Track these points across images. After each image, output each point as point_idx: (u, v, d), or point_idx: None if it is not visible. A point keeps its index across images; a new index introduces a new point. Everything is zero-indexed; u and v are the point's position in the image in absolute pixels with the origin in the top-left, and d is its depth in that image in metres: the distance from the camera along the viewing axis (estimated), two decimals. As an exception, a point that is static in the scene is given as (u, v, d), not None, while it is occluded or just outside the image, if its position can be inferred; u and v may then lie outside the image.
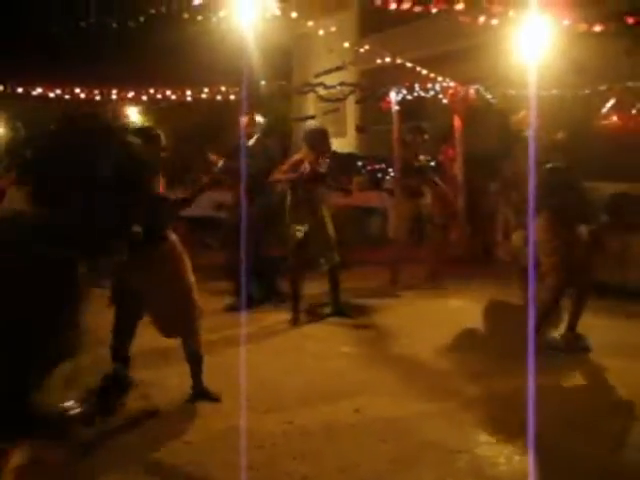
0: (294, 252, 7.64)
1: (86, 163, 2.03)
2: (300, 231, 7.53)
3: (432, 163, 10.46)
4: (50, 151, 2.09)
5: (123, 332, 5.16)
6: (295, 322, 7.61)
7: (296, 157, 7.77)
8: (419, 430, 4.73)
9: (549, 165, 6.21)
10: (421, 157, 9.71)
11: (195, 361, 5.23)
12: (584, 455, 4.34)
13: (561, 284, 6.33)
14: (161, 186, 5.13)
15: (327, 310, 8.07)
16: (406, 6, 7.58)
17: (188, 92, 12.81)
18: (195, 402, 5.19)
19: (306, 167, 7.48)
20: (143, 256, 4.77)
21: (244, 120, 8.74)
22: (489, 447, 4.49)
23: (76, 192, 2.01)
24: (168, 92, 12.93)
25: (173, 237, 5.10)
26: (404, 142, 10.12)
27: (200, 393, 5.27)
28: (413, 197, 9.60)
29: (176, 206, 5.31)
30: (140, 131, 5.26)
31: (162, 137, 5.24)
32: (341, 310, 7.97)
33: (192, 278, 5.13)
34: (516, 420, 4.76)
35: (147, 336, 5.50)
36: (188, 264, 5.14)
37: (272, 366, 6.11)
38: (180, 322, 5.08)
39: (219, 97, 12.62)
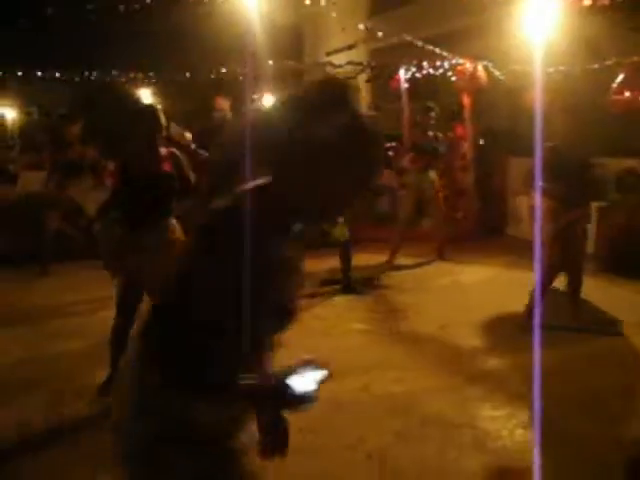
0: None
1: None
2: None
3: (441, 141, 10.49)
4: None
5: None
6: None
7: None
8: (424, 405, 4.81)
9: (548, 144, 6.21)
10: (430, 133, 9.70)
11: None
12: (585, 431, 4.40)
13: (555, 265, 6.38)
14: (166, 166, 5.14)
15: (337, 287, 8.11)
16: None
17: (194, 73, 12.84)
18: None
19: None
20: (145, 235, 4.92)
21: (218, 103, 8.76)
22: (492, 422, 4.55)
23: None
24: (176, 73, 12.98)
25: (173, 221, 5.17)
26: (415, 121, 10.12)
27: None
28: (419, 174, 9.61)
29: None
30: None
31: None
32: (351, 286, 8.04)
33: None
34: (520, 396, 4.85)
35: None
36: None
37: (289, 344, 6.16)
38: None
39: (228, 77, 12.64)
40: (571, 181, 6.12)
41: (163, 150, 5.11)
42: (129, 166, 5.04)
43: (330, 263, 8.39)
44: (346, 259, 8.03)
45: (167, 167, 5.07)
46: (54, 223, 9.57)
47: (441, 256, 9.83)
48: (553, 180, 6.11)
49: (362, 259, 9.13)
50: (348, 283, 8.06)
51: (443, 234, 9.94)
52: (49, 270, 9.24)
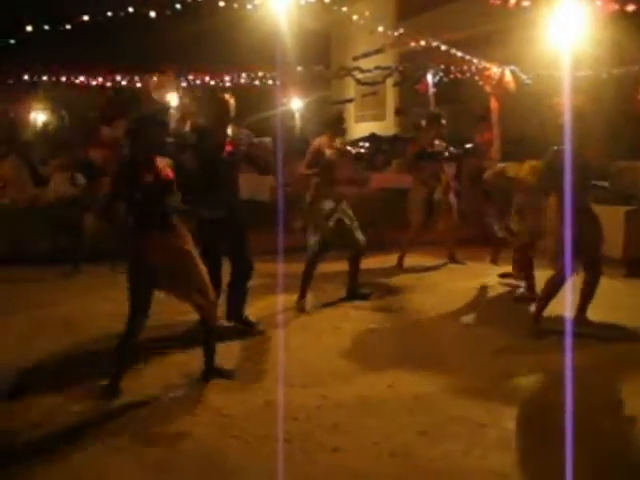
0: (319, 242, 7.56)
1: None
2: (328, 217, 7.53)
3: (468, 146, 10.52)
4: None
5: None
6: (302, 310, 7.56)
7: (314, 145, 7.70)
8: (448, 404, 4.87)
9: (555, 148, 6.26)
10: (436, 142, 9.72)
11: (210, 336, 5.38)
12: (609, 431, 4.45)
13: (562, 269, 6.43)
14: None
15: (342, 294, 8.08)
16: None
17: (227, 77, 13.00)
18: (206, 380, 5.34)
19: (328, 153, 7.52)
20: (161, 237, 5.08)
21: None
22: (516, 421, 4.60)
23: None
24: (207, 78, 13.15)
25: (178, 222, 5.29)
26: (420, 127, 10.14)
27: (212, 370, 5.42)
28: (427, 181, 9.66)
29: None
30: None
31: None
32: (356, 294, 7.98)
33: (195, 252, 5.29)
34: (545, 395, 4.91)
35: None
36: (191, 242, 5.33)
37: (308, 346, 6.28)
38: (194, 295, 5.23)
39: (257, 82, 12.78)
40: (580, 183, 6.11)
41: (158, 159, 5.20)
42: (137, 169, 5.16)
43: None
44: (354, 267, 7.92)
45: (169, 173, 5.20)
46: (90, 224, 9.75)
47: (453, 259, 9.91)
48: (564, 183, 6.16)
49: (381, 262, 9.24)
50: (353, 290, 7.98)
51: (452, 238, 10.00)
52: (80, 269, 9.41)
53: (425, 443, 4.29)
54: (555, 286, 6.40)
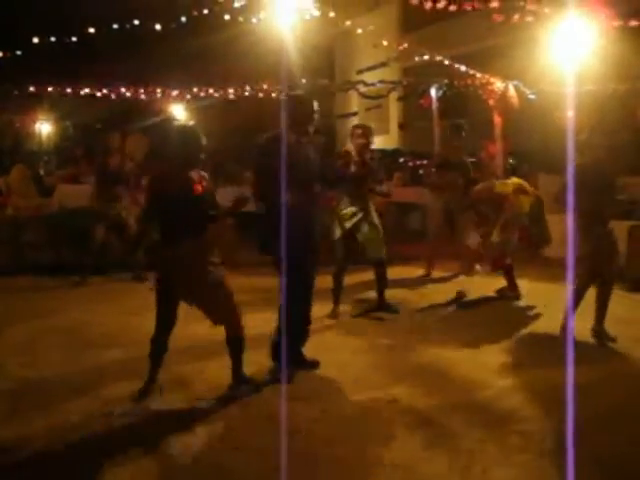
0: (342, 244, 7.68)
1: None
2: (349, 222, 7.60)
3: (472, 160, 10.55)
4: None
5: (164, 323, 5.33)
6: (335, 316, 7.71)
7: (345, 148, 7.83)
8: (449, 419, 4.86)
9: (578, 162, 6.30)
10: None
11: (235, 348, 5.38)
12: (610, 447, 4.44)
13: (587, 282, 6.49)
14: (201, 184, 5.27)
15: (370, 305, 8.14)
16: (441, 5, 7.70)
17: (230, 90, 13.05)
18: (236, 390, 5.36)
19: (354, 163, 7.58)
20: (183, 250, 5.08)
21: None
22: (519, 437, 4.59)
23: None
24: (211, 91, 13.20)
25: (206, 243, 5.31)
26: (447, 139, 10.21)
27: (240, 380, 5.44)
28: (444, 192, 9.69)
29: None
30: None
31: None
32: (386, 305, 8.02)
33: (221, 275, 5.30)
34: (549, 412, 4.90)
35: (191, 330, 5.73)
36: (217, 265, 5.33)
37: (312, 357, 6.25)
38: (220, 309, 5.27)
39: (261, 95, 12.83)
40: (598, 198, 6.19)
41: (194, 173, 5.23)
42: (163, 184, 5.19)
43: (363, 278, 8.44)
44: (380, 277, 7.94)
45: (199, 189, 5.21)
46: (100, 235, 9.79)
47: (469, 272, 9.88)
48: (582, 198, 6.19)
49: (390, 275, 9.21)
50: (382, 301, 8.04)
51: (469, 249, 9.98)
52: (88, 281, 9.46)
53: (426, 457, 4.29)
54: (575, 298, 6.49)
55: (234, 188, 13.60)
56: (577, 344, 5.79)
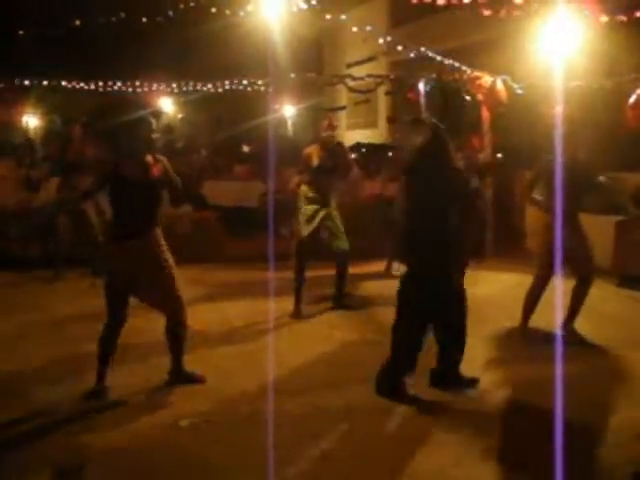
0: (303, 240, 7.59)
1: None
2: (311, 219, 7.55)
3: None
4: None
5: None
6: (297, 316, 7.56)
7: (306, 151, 7.75)
8: (438, 415, 4.86)
9: (549, 157, 6.30)
10: None
11: (177, 340, 5.32)
12: (599, 442, 4.46)
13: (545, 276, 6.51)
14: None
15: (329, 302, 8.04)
16: (429, -1, 7.70)
17: (218, 84, 13.02)
18: (173, 384, 5.34)
19: (315, 161, 7.54)
20: (136, 243, 5.05)
21: None
22: (506, 431, 4.60)
23: None
24: (198, 84, 13.16)
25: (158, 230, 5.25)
26: None
27: (178, 374, 5.40)
28: None
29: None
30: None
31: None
32: (342, 301, 7.95)
33: (171, 260, 5.24)
34: (535, 407, 4.92)
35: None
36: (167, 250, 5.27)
37: (299, 353, 6.25)
38: (167, 302, 5.21)
39: (249, 89, 12.80)
40: (568, 194, 6.12)
41: (148, 157, 5.16)
42: (121, 169, 5.11)
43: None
44: (340, 273, 7.86)
45: (156, 172, 5.14)
46: (64, 228, 9.69)
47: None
48: (549, 193, 6.21)
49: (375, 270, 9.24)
50: (340, 297, 7.94)
51: None
52: (63, 275, 9.38)
53: (415, 453, 4.28)
54: (535, 293, 6.56)
55: (230, 182, 13.64)
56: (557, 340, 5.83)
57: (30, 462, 4.18)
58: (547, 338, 6.23)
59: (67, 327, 7.06)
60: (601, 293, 6.80)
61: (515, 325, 6.83)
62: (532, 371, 5.69)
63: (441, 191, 5.08)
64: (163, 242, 5.23)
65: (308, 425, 4.67)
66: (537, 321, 6.67)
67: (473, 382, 5.35)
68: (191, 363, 5.53)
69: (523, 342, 6.51)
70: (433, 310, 5.18)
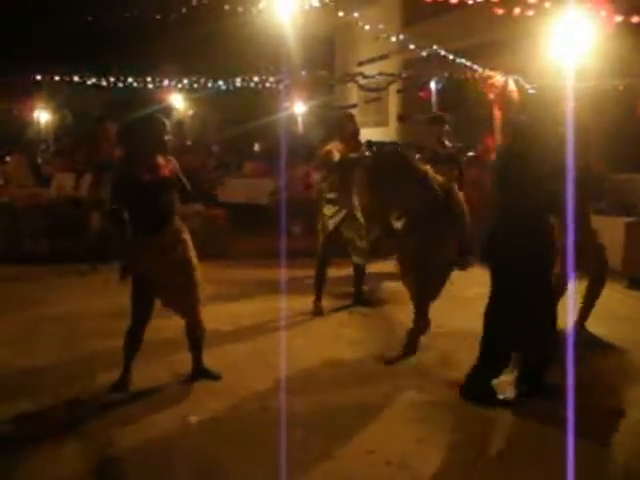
0: (326, 238, 7.59)
1: None
2: (333, 218, 7.53)
3: (470, 153, 10.49)
4: None
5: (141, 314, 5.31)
6: (318, 313, 7.57)
7: (326, 148, 7.68)
8: (445, 414, 4.86)
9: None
10: (447, 143, 9.66)
11: (197, 339, 5.43)
12: (606, 442, 4.45)
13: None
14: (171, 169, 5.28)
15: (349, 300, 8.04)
16: (442, -4, 7.68)
17: (229, 81, 13.04)
18: (194, 380, 5.43)
19: (336, 157, 7.43)
20: (156, 239, 5.09)
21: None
22: (513, 432, 4.60)
23: None
24: (210, 81, 13.18)
25: (179, 222, 5.30)
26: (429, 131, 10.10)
27: (200, 371, 5.51)
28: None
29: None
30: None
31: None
32: (363, 299, 7.98)
33: (195, 259, 5.32)
34: (539, 407, 4.91)
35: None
36: (192, 247, 5.33)
37: (308, 352, 6.25)
38: (186, 300, 5.28)
39: (260, 86, 12.81)
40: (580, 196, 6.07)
41: (160, 158, 5.22)
42: (133, 171, 5.14)
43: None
44: (359, 272, 7.89)
45: (167, 172, 5.21)
46: (96, 224, 9.76)
47: (463, 268, 9.86)
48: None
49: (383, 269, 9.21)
50: (360, 295, 7.98)
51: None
52: (97, 269, 9.41)
53: (421, 453, 4.28)
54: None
55: (240, 180, 13.66)
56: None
57: (44, 458, 4.21)
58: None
59: (84, 322, 7.11)
60: (611, 294, 6.77)
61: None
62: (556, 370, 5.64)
63: (534, 189, 4.99)
64: (186, 237, 5.29)
65: (316, 424, 4.69)
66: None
67: (555, 388, 5.08)
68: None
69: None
70: (528, 310, 5.02)
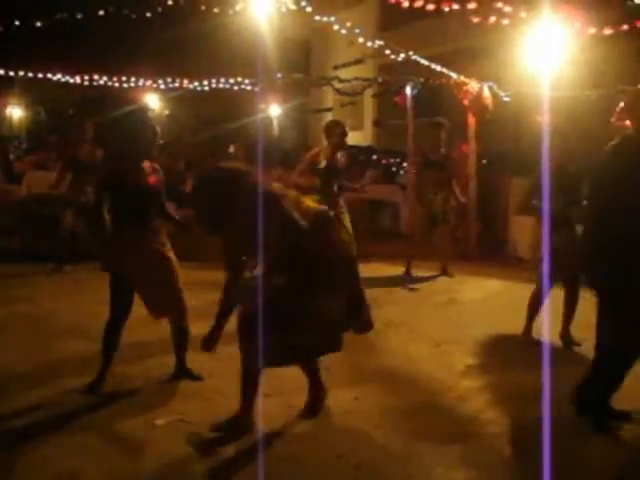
0: None
1: None
2: None
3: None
4: None
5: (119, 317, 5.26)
6: None
7: (313, 151, 7.76)
8: (414, 420, 4.84)
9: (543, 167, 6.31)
10: (442, 150, 9.74)
11: (183, 339, 5.42)
12: (587, 450, 4.45)
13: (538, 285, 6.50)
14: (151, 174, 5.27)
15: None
16: (419, 4, 7.71)
17: (205, 82, 12.99)
18: (176, 380, 5.44)
19: (322, 162, 7.51)
20: (134, 239, 5.09)
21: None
22: (482, 438, 4.59)
23: None
24: (185, 81, 13.11)
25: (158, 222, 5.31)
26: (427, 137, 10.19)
27: (182, 371, 5.50)
28: (430, 192, 9.68)
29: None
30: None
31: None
32: None
33: (175, 260, 5.34)
34: (512, 414, 4.91)
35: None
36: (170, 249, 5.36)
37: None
38: (170, 301, 5.28)
39: (236, 88, 12.78)
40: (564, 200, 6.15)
41: (146, 164, 5.23)
42: (121, 174, 5.12)
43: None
44: None
45: (153, 181, 5.22)
46: (69, 222, 9.67)
47: (446, 273, 9.92)
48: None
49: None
50: None
51: (448, 251, 10.06)
52: (63, 269, 9.34)
53: (389, 458, 4.27)
54: (537, 299, 6.52)
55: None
56: (543, 346, 5.81)
57: (15, 461, 4.14)
58: (542, 343, 6.22)
59: (55, 322, 7.03)
60: (593, 300, 6.77)
61: (498, 332, 6.86)
62: (527, 377, 5.63)
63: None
64: (165, 240, 5.33)
65: (284, 427, 4.66)
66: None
67: (624, 416, 4.82)
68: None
69: (519, 348, 6.50)
70: None
